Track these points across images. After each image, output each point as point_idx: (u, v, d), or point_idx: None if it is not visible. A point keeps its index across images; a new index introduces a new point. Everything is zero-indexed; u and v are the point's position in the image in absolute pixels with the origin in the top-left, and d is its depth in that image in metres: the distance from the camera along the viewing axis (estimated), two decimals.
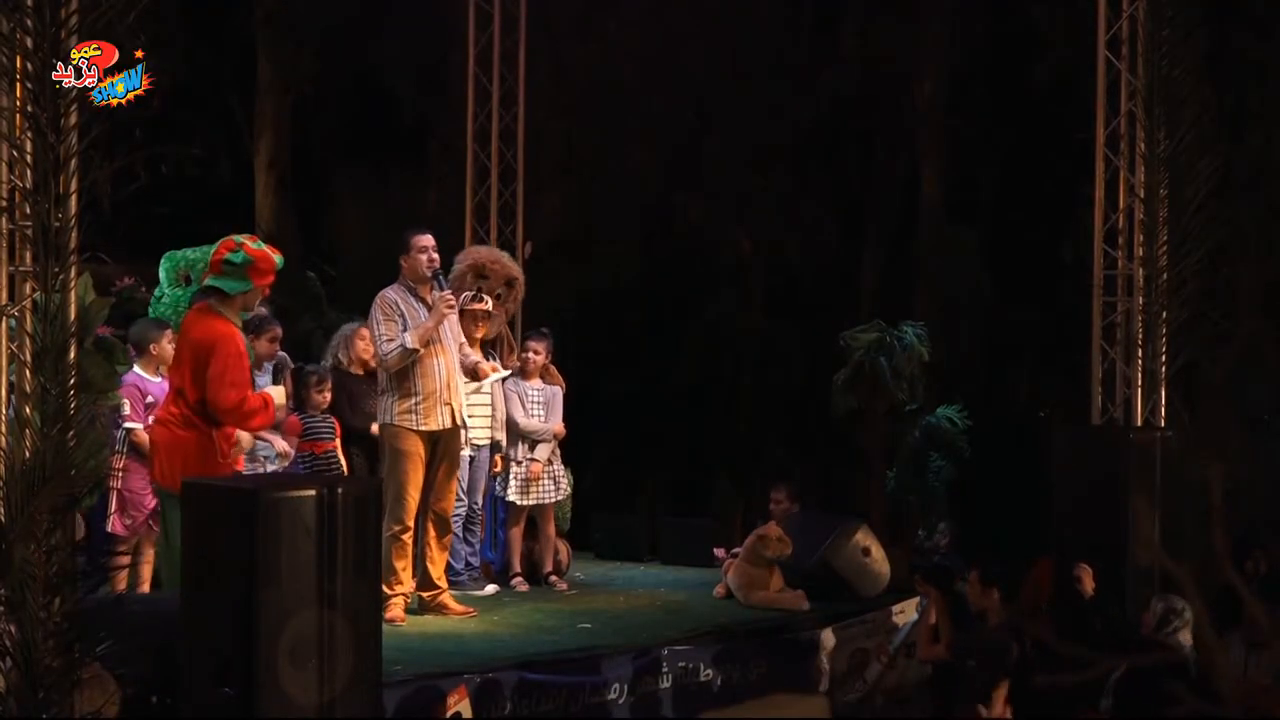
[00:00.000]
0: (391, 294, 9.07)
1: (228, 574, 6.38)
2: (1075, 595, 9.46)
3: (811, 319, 17.35)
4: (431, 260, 9.06)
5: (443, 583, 9.29)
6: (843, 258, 18.23)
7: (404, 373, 8.94)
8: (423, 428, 8.95)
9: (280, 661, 6.27)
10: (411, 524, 9.02)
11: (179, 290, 10.01)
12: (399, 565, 8.97)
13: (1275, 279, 13.08)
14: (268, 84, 17.17)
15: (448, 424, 9.01)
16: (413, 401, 8.93)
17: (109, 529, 9.13)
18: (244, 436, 9.13)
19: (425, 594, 9.23)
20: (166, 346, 9.05)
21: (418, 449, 8.97)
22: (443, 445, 9.08)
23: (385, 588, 8.82)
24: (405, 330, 8.91)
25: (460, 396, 9.11)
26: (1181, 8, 10.67)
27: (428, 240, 9.11)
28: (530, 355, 10.44)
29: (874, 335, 14.33)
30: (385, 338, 8.94)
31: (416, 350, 8.90)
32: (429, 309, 8.98)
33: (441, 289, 9.04)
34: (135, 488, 9.00)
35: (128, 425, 9.01)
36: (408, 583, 9.06)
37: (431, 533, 9.20)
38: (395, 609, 8.88)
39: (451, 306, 9.08)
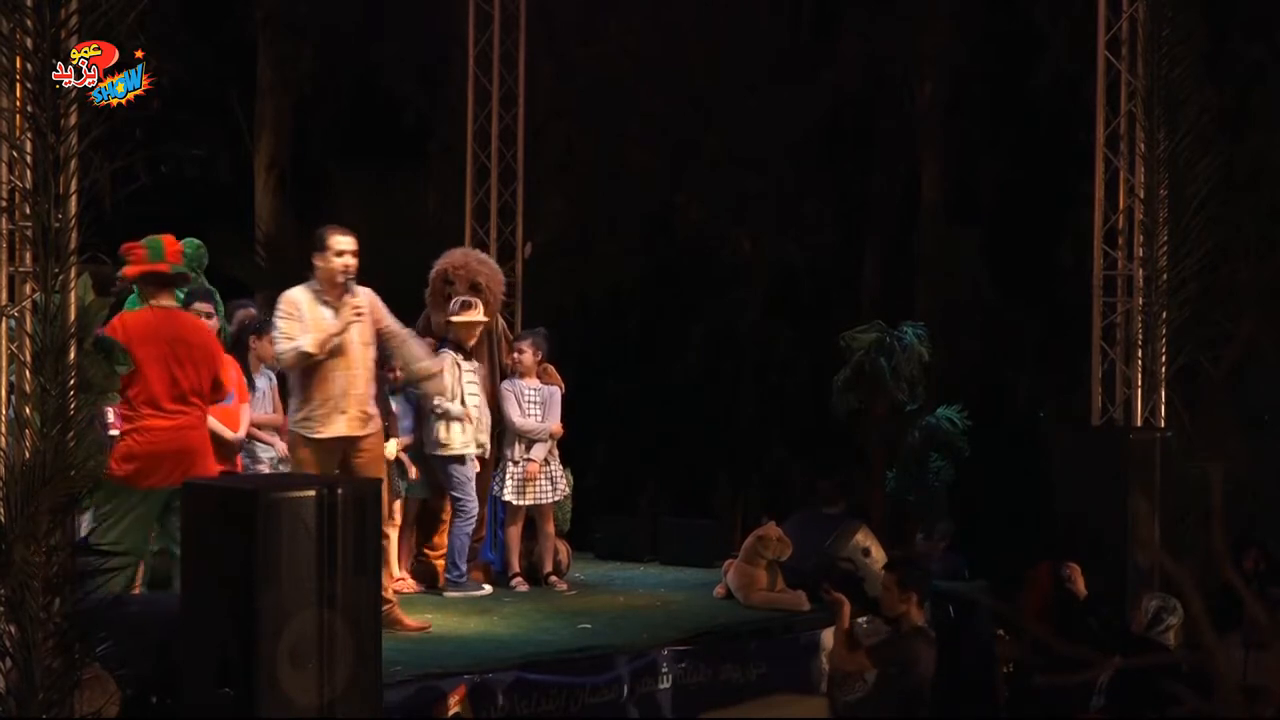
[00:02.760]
0: (297, 293, 8.68)
1: (228, 574, 6.38)
2: (1068, 596, 9.46)
3: (812, 319, 17.37)
4: (346, 267, 8.62)
5: (389, 595, 8.73)
6: (843, 258, 18.24)
7: (305, 379, 8.64)
8: (317, 435, 8.62)
9: (280, 662, 6.27)
10: None
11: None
12: None
13: (1275, 279, 13.08)
14: (268, 84, 17.18)
15: (342, 431, 8.62)
16: (310, 409, 8.62)
17: None
18: (237, 437, 9.13)
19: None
20: None
21: (310, 458, 8.63)
22: (351, 453, 8.68)
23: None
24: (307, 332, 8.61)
25: (365, 404, 8.67)
26: (1181, 8, 10.68)
27: (347, 243, 8.67)
28: (516, 355, 10.38)
29: (874, 335, 14.34)
30: (283, 336, 8.60)
31: (311, 355, 8.56)
32: (335, 313, 8.61)
33: (353, 294, 8.66)
34: None
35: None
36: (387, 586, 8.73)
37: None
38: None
39: (360, 315, 8.63)
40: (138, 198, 7.36)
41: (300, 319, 8.60)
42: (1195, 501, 10.42)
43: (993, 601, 10.48)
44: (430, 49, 16.18)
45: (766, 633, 9.50)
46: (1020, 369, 17.13)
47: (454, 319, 10.03)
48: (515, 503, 10.29)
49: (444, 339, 10.08)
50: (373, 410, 8.75)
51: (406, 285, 10.37)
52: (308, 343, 8.54)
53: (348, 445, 8.67)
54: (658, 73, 16.82)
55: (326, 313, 8.62)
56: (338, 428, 8.62)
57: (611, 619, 9.43)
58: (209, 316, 9.39)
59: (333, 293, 8.64)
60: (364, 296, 8.73)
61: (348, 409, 8.62)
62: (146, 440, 8.17)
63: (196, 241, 10.19)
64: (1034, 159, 16.67)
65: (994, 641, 10.20)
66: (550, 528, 10.49)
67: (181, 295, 9.84)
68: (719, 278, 17.66)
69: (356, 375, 8.66)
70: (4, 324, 6.72)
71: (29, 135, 6.58)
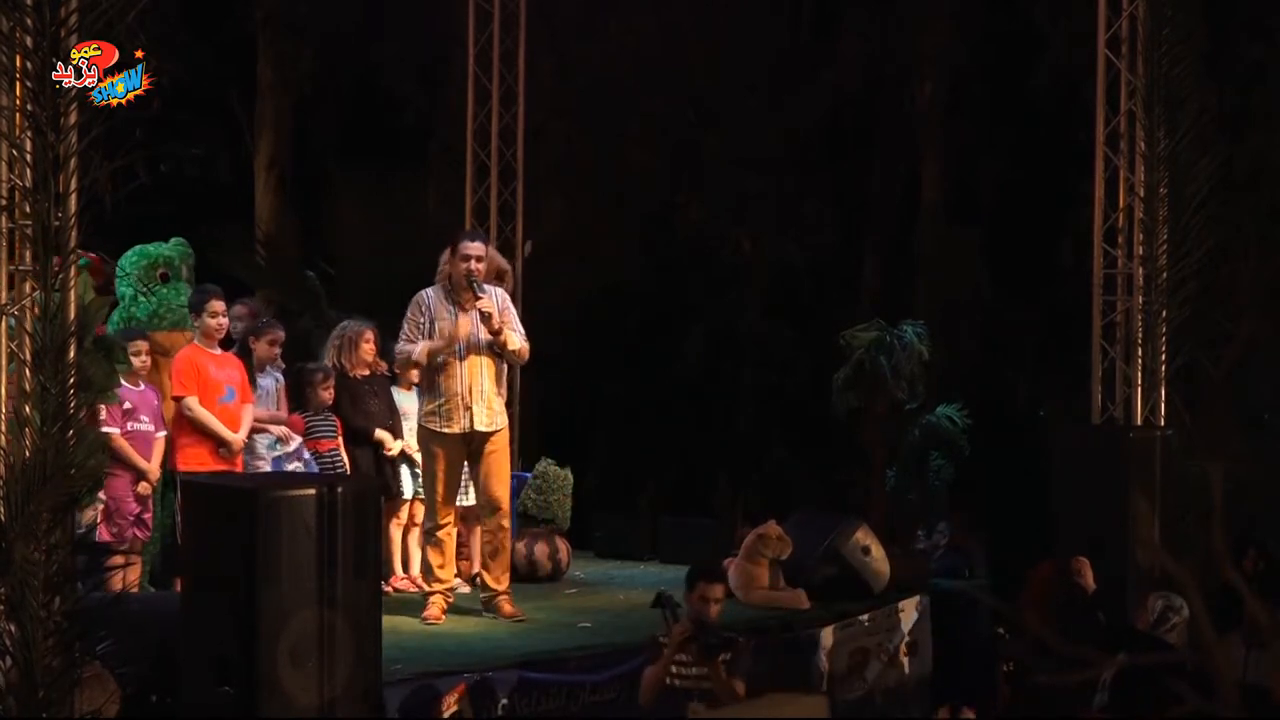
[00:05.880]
0: (428, 296, 9.13)
1: (228, 574, 6.38)
2: (1078, 590, 9.46)
3: (812, 318, 17.35)
4: (471, 271, 8.98)
5: (499, 584, 9.21)
6: (843, 258, 18.23)
7: (431, 375, 9.07)
8: (445, 430, 9.01)
9: (280, 661, 6.27)
10: (444, 522, 9.10)
11: (162, 289, 9.93)
12: (434, 563, 9.12)
13: (1275, 279, 13.08)
14: (268, 84, 17.16)
15: (468, 427, 8.99)
16: (436, 404, 9.04)
17: (96, 538, 9.04)
18: (236, 438, 9.12)
19: (483, 595, 9.32)
20: (140, 358, 9.06)
21: (441, 450, 9.04)
22: (476, 447, 9.08)
23: (425, 584, 9.27)
24: (429, 335, 9.00)
25: (491, 400, 9.04)
26: (1181, 8, 10.69)
27: (476, 248, 9.07)
28: None
29: (874, 334, 14.34)
30: (404, 338, 9.12)
31: (419, 363, 9.07)
32: (462, 313, 8.98)
33: (479, 295, 8.95)
34: (118, 494, 8.88)
35: (104, 430, 8.86)
36: (447, 580, 9.17)
37: (475, 532, 9.28)
38: (433, 608, 9.05)
39: (490, 316, 8.92)
40: (138, 197, 7.37)
41: (425, 322, 9.02)
42: (1195, 501, 10.42)
43: (993, 601, 10.49)
44: (430, 49, 16.18)
45: (766, 632, 9.49)
46: (1020, 368, 17.11)
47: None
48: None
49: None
50: (500, 406, 9.13)
51: (407, 284, 10.35)
52: (419, 351, 9.00)
53: (478, 439, 9.03)
54: (658, 73, 16.81)
55: (453, 311, 8.99)
56: (464, 422, 8.97)
57: (611, 618, 9.43)
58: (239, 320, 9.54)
59: (464, 296, 8.99)
60: (494, 298, 9.06)
61: (472, 404, 8.97)
62: None
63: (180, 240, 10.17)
64: (1034, 159, 16.66)
65: (994, 641, 10.21)
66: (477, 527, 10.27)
67: (185, 294, 9.86)
68: (719, 278, 17.65)
69: (482, 372, 9.00)
70: (4, 322, 6.72)
71: (29, 134, 6.59)
